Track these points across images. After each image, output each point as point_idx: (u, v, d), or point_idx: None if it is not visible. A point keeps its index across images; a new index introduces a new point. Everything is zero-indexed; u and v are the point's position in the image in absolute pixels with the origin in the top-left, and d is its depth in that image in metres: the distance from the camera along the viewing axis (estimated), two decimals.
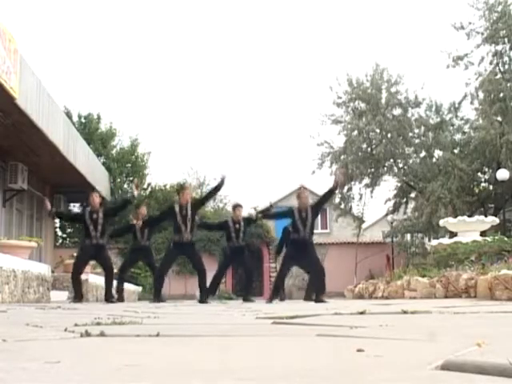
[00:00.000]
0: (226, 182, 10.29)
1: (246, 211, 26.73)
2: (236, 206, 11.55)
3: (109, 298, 10.16)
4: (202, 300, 9.87)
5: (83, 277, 12.33)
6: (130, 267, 12.58)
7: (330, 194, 10.26)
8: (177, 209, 9.88)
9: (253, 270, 12.24)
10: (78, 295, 9.84)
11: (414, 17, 61.24)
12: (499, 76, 23.27)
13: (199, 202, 11.12)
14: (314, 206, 9.97)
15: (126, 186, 26.18)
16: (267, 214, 11.59)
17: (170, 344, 2.12)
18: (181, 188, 10.58)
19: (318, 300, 9.08)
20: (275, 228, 27.51)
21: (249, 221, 11.92)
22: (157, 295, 10.19)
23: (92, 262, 11.47)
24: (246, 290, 11.79)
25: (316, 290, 9.69)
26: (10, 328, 2.98)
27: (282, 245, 12.83)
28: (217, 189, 10.78)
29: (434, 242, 16.11)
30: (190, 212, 9.85)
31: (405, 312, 3.95)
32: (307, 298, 10.81)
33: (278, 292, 10.61)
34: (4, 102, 10.71)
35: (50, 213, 11.25)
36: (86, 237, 10.08)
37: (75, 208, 25.28)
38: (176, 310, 5.81)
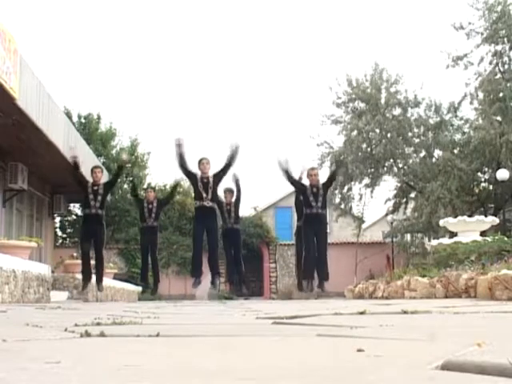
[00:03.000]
0: (239, 151, 10.33)
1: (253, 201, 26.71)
2: (227, 191, 11.58)
3: (98, 282, 10.60)
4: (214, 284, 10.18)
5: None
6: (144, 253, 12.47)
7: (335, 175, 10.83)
8: (198, 176, 10.27)
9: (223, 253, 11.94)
10: (86, 281, 10.40)
11: (414, 17, 61.25)
12: (499, 76, 23.28)
13: (221, 173, 10.79)
14: (325, 186, 10.38)
15: (125, 186, 26.17)
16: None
17: (170, 344, 2.12)
18: (199, 161, 10.62)
19: (320, 286, 9.35)
20: (275, 228, 27.55)
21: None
22: (196, 273, 10.31)
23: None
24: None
25: (319, 278, 9.91)
26: (10, 328, 2.98)
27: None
28: (232, 158, 10.47)
29: (434, 242, 16.11)
30: (211, 180, 10.24)
31: (405, 312, 3.95)
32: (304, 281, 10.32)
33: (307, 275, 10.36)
34: (4, 103, 10.71)
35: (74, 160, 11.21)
36: (85, 206, 10.77)
37: (75, 208, 25.29)
38: (176, 310, 5.80)
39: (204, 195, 10.22)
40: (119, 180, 12.18)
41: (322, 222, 10.27)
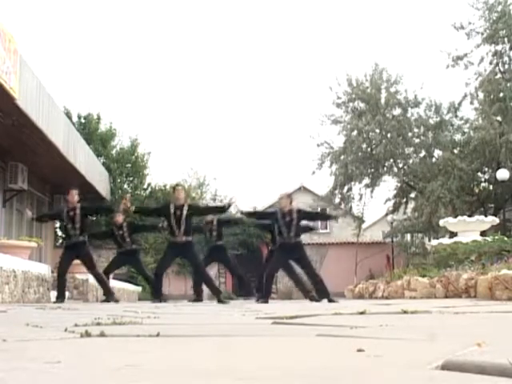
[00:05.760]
0: (230, 207, 10.34)
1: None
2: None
3: (107, 296, 10.10)
4: (197, 299, 9.88)
5: (83, 277, 12.34)
6: (113, 269, 12.25)
7: (322, 218, 10.20)
8: (172, 209, 9.61)
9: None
10: (62, 295, 9.70)
11: (414, 17, 61.27)
12: (499, 76, 23.28)
13: (197, 211, 10.88)
14: (300, 212, 9.86)
15: (125, 186, 26.15)
16: (250, 213, 11.35)
17: (170, 344, 2.12)
18: (174, 187, 10.34)
19: (330, 300, 9.05)
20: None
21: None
22: (157, 295, 10.02)
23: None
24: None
25: (321, 295, 9.56)
26: (10, 328, 2.98)
27: (261, 225, 12.88)
28: (220, 210, 10.86)
29: (434, 242, 16.11)
30: (184, 213, 9.54)
31: (405, 312, 3.95)
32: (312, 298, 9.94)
33: (269, 291, 10.33)
34: (4, 103, 10.70)
35: (32, 219, 11.53)
36: (66, 236, 10.17)
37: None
38: (176, 310, 5.80)
39: (176, 231, 9.55)
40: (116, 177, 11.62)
41: (298, 250, 9.54)
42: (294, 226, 9.37)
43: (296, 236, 9.45)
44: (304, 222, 10.59)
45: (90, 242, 10.70)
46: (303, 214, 10.02)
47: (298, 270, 10.09)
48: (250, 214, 12.12)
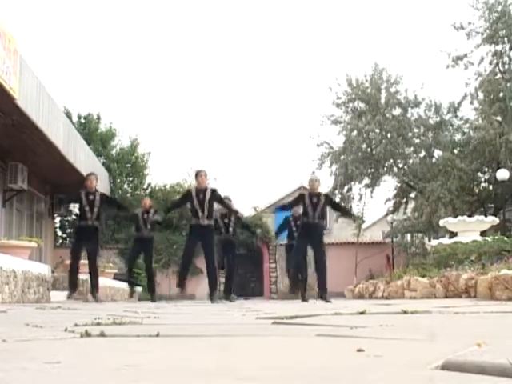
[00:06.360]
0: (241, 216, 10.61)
1: (246, 213, 26.72)
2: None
3: (94, 293, 9.96)
4: (213, 299, 9.66)
5: (83, 277, 12.31)
6: (134, 259, 12.55)
7: (343, 213, 11.08)
8: (193, 193, 9.92)
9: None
10: (73, 285, 9.81)
11: (414, 17, 61.26)
12: (499, 76, 23.29)
13: (217, 198, 10.96)
14: (328, 197, 10.44)
15: (125, 186, 26.16)
16: (284, 206, 11.41)
17: (170, 344, 2.12)
18: (196, 173, 10.45)
19: (323, 298, 9.16)
20: (275, 228, 27.47)
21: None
22: (180, 283, 10.06)
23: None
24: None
25: (318, 289, 9.72)
26: (10, 328, 2.98)
27: (280, 230, 13.23)
28: (234, 213, 11.21)
29: (434, 242, 16.12)
30: (207, 197, 9.77)
31: (405, 312, 3.95)
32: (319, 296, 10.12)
33: (297, 284, 10.62)
34: (4, 103, 10.70)
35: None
36: (81, 218, 10.13)
37: (75, 209, 25.30)
38: (176, 310, 5.80)
39: (200, 214, 9.73)
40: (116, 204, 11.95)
41: (318, 232, 9.90)
42: (319, 207, 9.77)
43: (319, 218, 9.83)
44: None
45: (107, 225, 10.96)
46: (330, 200, 10.66)
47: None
48: (284, 207, 11.74)
